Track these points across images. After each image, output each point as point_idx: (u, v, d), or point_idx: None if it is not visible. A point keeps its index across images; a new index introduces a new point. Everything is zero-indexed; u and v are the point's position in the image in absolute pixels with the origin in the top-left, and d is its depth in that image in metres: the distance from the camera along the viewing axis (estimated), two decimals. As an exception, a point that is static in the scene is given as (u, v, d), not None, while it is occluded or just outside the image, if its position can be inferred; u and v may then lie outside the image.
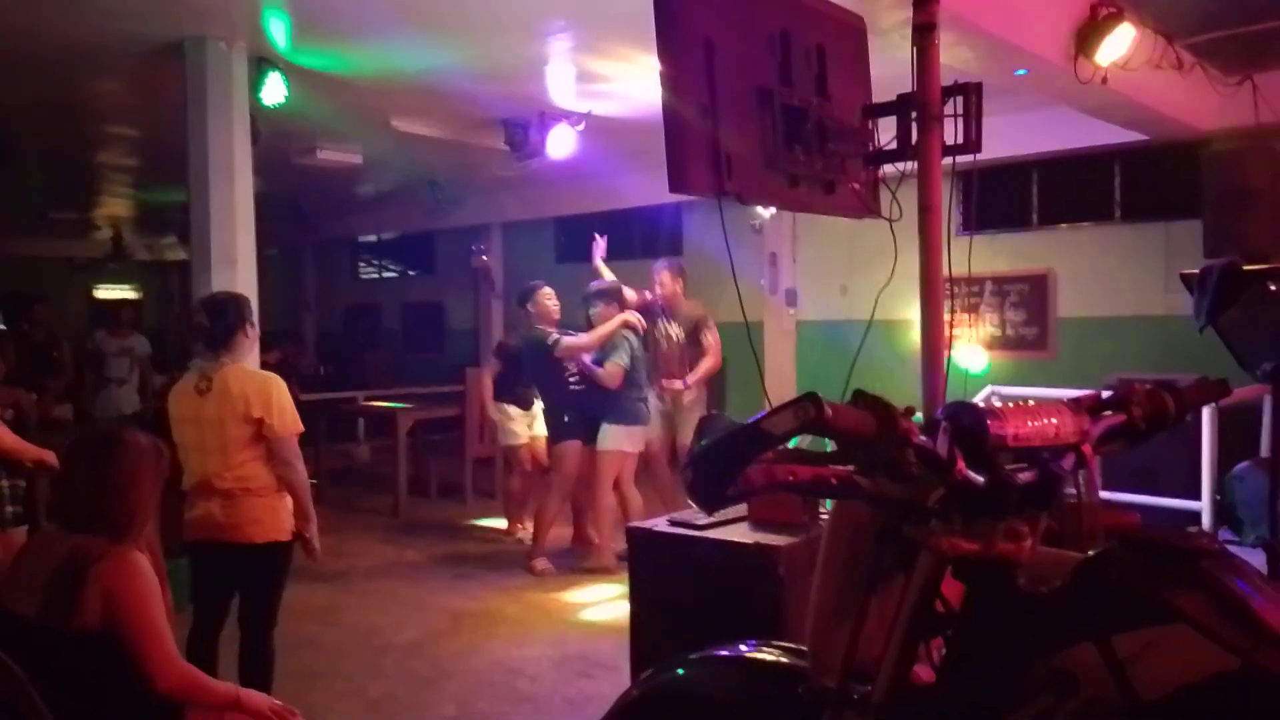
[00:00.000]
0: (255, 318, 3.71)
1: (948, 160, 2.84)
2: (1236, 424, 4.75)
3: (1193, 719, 1.14)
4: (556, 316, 6.29)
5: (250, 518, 3.39)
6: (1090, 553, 1.30)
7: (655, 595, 3.24)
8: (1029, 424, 1.29)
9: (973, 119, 2.80)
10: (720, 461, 1.17)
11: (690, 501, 1.25)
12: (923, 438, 1.23)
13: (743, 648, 1.68)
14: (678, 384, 6.35)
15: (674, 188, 2.40)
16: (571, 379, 6.14)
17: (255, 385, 3.42)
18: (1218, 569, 1.19)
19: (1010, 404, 1.33)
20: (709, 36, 2.43)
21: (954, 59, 4.53)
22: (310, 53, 5.73)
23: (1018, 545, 1.28)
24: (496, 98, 6.80)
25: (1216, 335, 3.86)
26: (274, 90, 5.65)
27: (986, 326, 8.61)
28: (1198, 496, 4.76)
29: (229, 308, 3.55)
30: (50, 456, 3.83)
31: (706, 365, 6.37)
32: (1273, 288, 3.69)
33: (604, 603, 5.52)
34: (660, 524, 3.35)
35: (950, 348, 2.91)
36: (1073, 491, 1.34)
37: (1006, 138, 5.50)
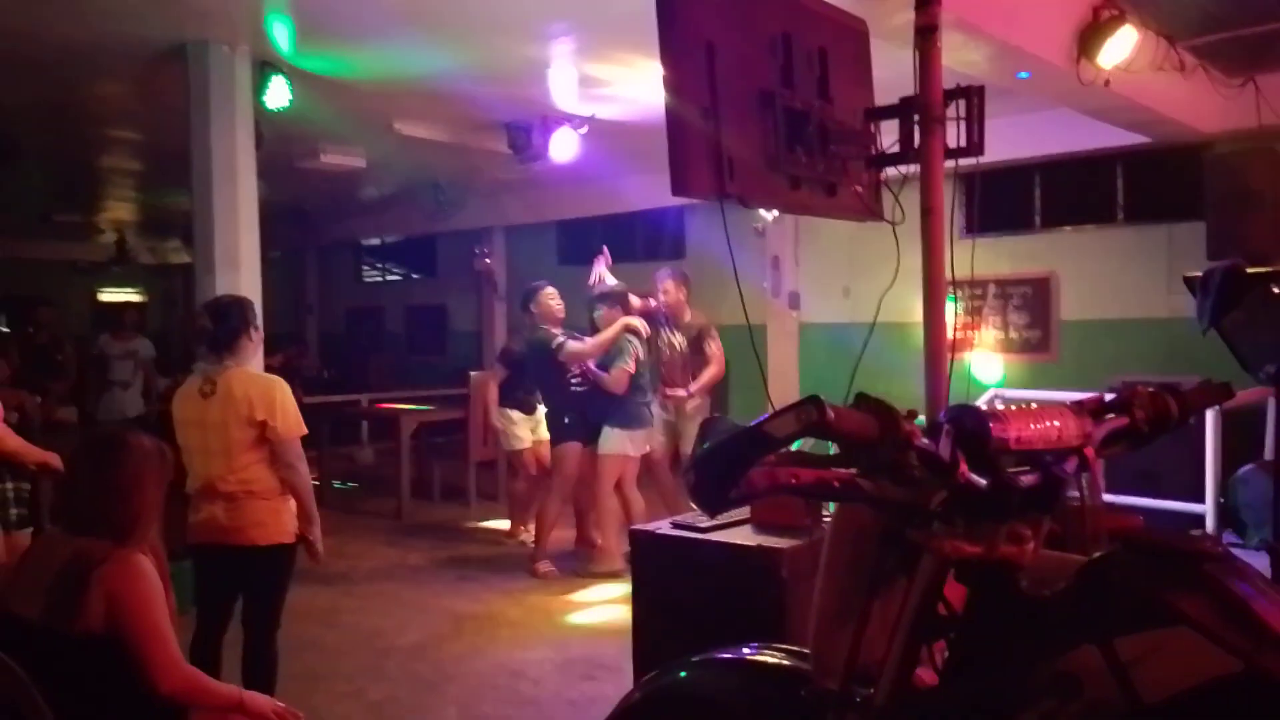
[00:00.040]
0: (259, 321, 3.71)
1: (950, 162, 2.84)
2: (1240, 427, 4.74)
3: (1195, 721, 1.14)
4: (561, 316, 6.25)
5: (254, 520, 3.39)
6: (1093, 556, 1.30)
7: (658, 598, 3.24)
8: (1031, 427, 1.29)
9: (975, 122, 2.81)
10: (723, 464, 1.18)
11: (693, 504, 1.25)
12: (925, 441, 1.23)
13: (745, 650, 1.69)
14: (681, 393, 6.35)
15: (676, 190, 2.41)
16: (573, 380, 6.13)
17: (259, 388, 3.42)
18: (1220, 572, 1.19)
19: (1013, 407, 1.33)
20: (711, 39, 2.43)
21: (956, 62, 4.53)
22: (313, 56, 5.74)
23: (1020, 548, 1.28)
24: (499, 101, 6.81)
25: (1219, 338, 3.86)
26: (277, 94, 5.66)
27: (989, 329, 8.61)
28: (1201, 499, 4.75)
29: (233, 311, 3.55)
30: (54, 459, 3.84)
31: (710, 374, 6.37)
32: (1276, 290, 3.68)
33: (606, 605, 5.52)
34: (663, 526, 3.35)
35: (956, 351, 2.91)
36: (1075, 494, 1.34)
37: (1009, 140, 5.49)
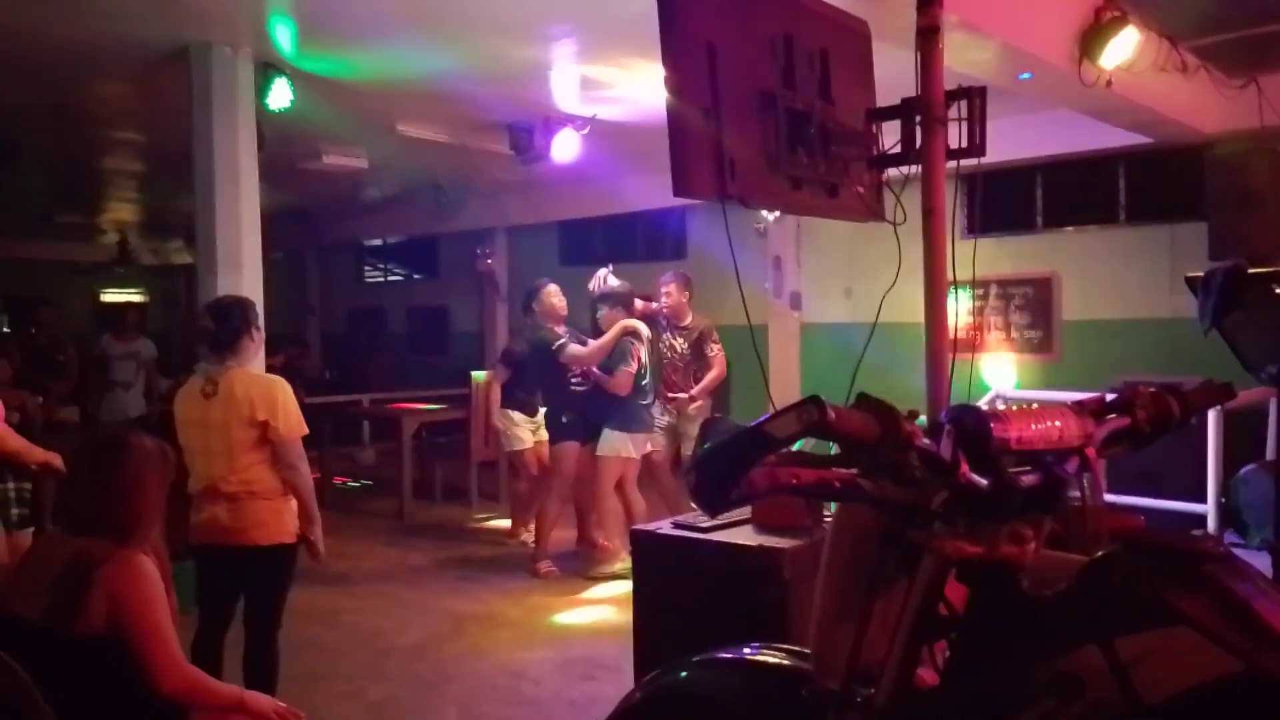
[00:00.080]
0: (261, 321, 3.72)
1: (951, 163, 2.84)
2: (1242, 427, 4.74)
3: (1196, 722, 1.14)
4: (564, 313, 6.25)
5: (255, 521, 3.39)
6: (1094, 556, 1.30)
7: (659, 598, 3.24)
8: (1033, 427, 1.29)
9: (977, 122, 2.81)
10: (724, 464, 1.18)
11: (694, 504, 1.25)
12: (926, 441, 1.23)
13: (746, 650, 1.68)
14: (683, 396, 6.36)
15: (678, 191, 2.41)
16: (573, 380, 6.13)
17: (260, 389, 3.43)
18: (1221, 572, 1.19)
19: (1014, 407, 1.33)
20: (712, 40, 2.43)
21: (958, 62, 4.53)
22: (315, 57, 5.74)
23: (1021, 548, 1.28)
24: (501, 102, 6.81)
25: (1221, 338, 3.86)
26: (280, 95, 5.67)
27: (991, 330, 8.61)
28: (1203, 499, 4.74)
29: (234, 311, 3.56)
30: (56, 459, 3.85)
31: (711, 377, 6.37)
32: (1277, 290, 3.69)
33: (607, 605, 5.52)
34: (664, 527, 3.35)
35: (963, 352, 2.91)
36: (1077, 495, 1.34)
37: (1011, 140, 5.48)
